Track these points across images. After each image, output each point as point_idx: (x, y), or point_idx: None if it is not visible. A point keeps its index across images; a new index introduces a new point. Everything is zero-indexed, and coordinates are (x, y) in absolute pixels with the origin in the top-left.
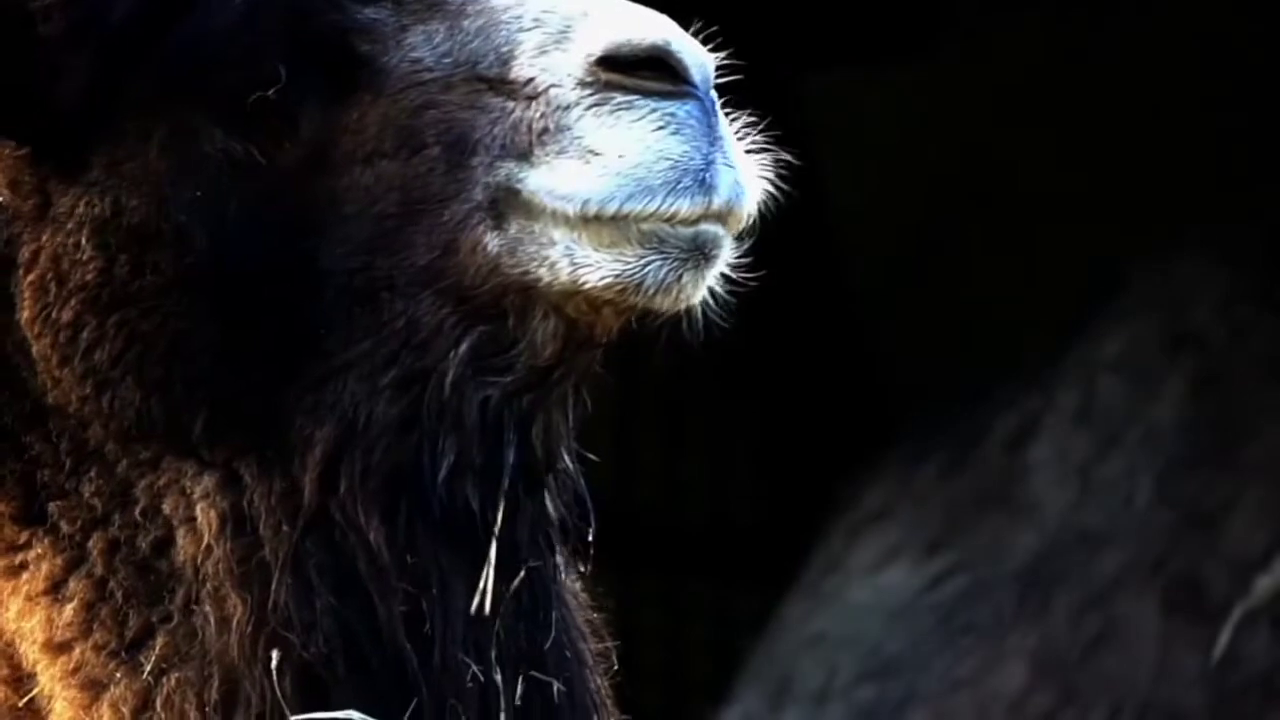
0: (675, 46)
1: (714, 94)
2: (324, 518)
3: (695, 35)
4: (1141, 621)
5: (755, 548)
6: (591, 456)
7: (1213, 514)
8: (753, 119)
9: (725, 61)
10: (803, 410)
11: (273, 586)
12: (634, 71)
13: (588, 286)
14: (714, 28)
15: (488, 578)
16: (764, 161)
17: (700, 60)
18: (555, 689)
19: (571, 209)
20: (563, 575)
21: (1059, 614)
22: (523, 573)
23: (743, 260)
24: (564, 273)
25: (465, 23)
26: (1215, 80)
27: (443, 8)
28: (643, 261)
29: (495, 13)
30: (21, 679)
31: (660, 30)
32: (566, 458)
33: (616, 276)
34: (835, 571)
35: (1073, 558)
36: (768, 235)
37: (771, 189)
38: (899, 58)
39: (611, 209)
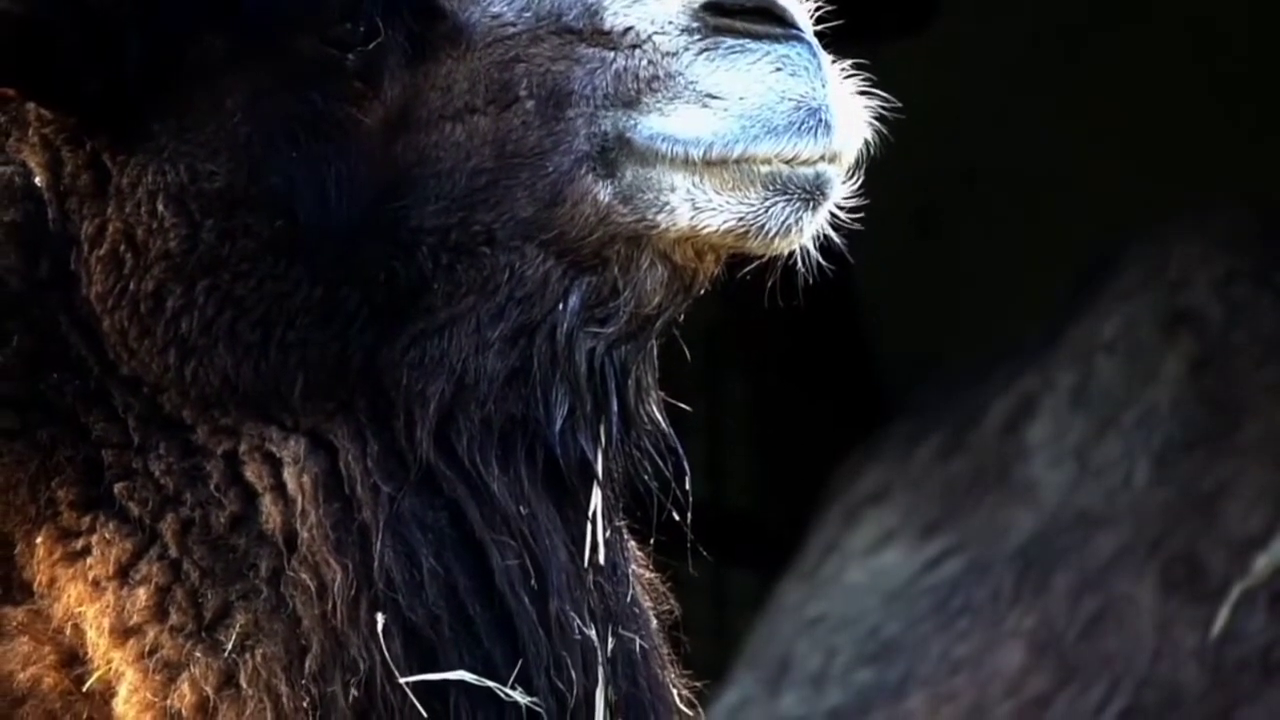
0: None
1: (815, 40)
2: (432, 475)
3: None
4: (1139, 601)
5: (751, 529)
6: (683, 406)
7: (1210, 494)
8: (848, 66)
9: (819, 8)
10: (798, 391)
11: (374, 549)
12: (741, 16)
13: (707, 231)
14: None
15: (597, 529)
16: (865, 104)
17: (799, 5)
18: (637, 645)
19: (695, 152)
20: (625, 535)
21: (1057, 594)
22: (610, 529)
23: (851, 199)
24: (684, 218)
25: None
26: (1214, 58)
27: None
28: (766, 204)
29: None
30: (74, 663)
31: None
32: (655, 409)
33: (740, 220)
34: (832, 554)
35: (1070, 538)
36: None
37: (871, 133)
38: (897, 37)
39: (737, 151)
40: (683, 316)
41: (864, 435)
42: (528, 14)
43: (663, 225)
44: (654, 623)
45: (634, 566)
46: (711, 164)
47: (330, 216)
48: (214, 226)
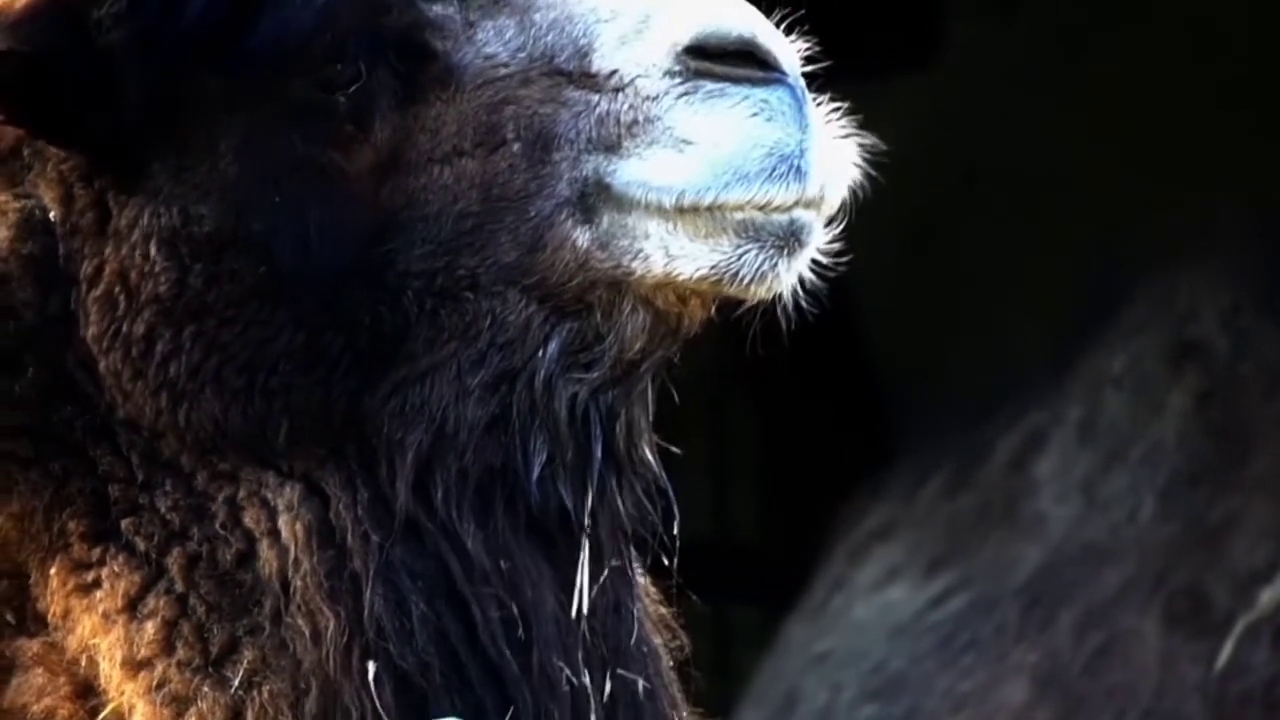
0: (763, 36)
1: (802, 81)
2: (416, 525)
3: (777, 24)
4: (1144, 636)
5: (756, 564)
6: (675, 449)
7: (1216, 528)
8: (837, 106)
9: (810, 50)
10: (804, 426)
11: (365, 597)
12: (723, 60)
13: (682, 278)
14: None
15: (583, 578)
16: (852, 147)
17: (786, 47)
18: (640, 686)
19: (667, 200)
20: (636, 570)
21: (1062, 629)
22: (606, 571)
23: (833, 246)
24: (658, 265)
25: (536, 16)
26: (1217, 90)
27: (509, 3)
28: (739, 251)
29: (568, 5)
30: (88, 694)
31: (746, 19)
32: (647, 451)
33: (713, 267)
34: (839, 590)
35: (1076, 573)
36: None
37: (859, 175)
38: (900, 72)
39: (708, 199)
40: (677, 356)
41: (870, 471)
42: (522, 54)
43: (638, 272)
44: (664, 660)
45: (642, 604)
46: (684, 211)
47: (312, 262)
48: (202, 271)
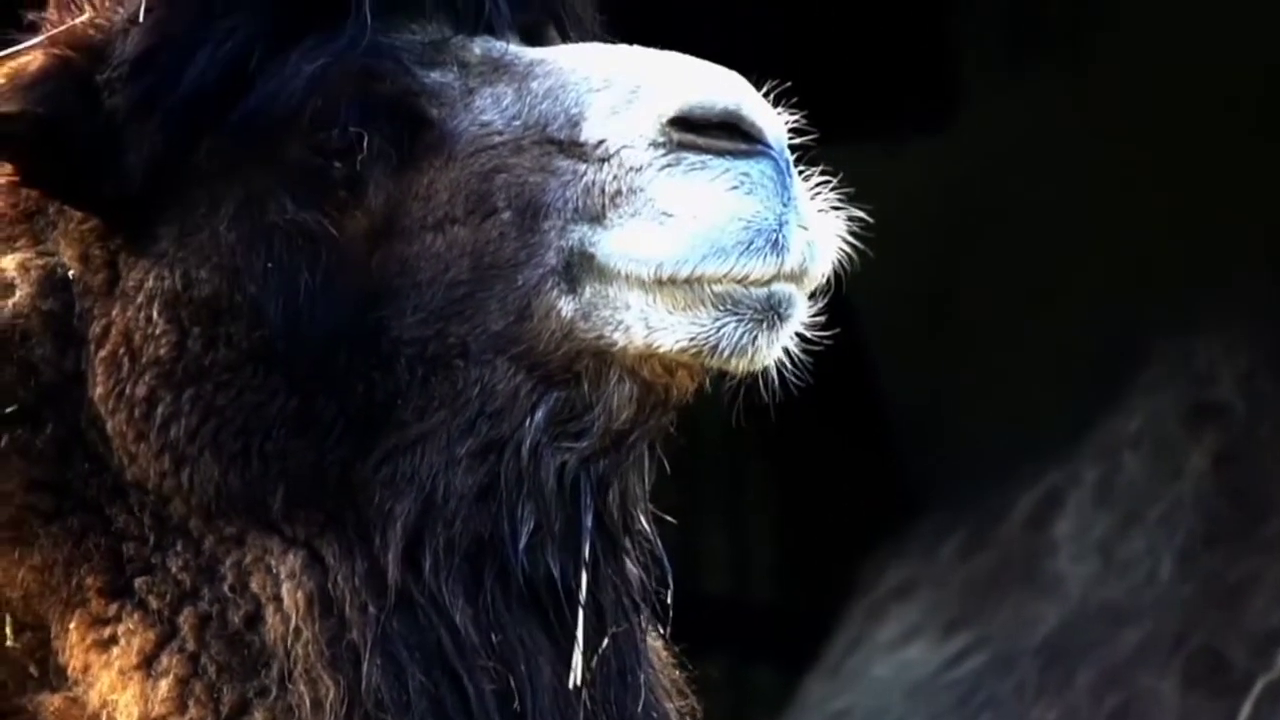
0: (748, 108)
1: (787, 153)
2: (408, 597)
3: (766, 95)
4: (1162, 696)
5: (773, 623)
6: (668, 518)
7: (1234, 588)
8: (825, 178)
9: (796, 123)
10: (822, 485)
11: (364, 668)
12: (707, 132)
13: (663, 350)
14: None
15: (578, 650)
16: (838, 220)
17: (772, 120)
18: None
19: (646, 272)
20: (647, 635)
21: (1080, 689)
22: (607, 639)
23: (817, 319)
24: (639, 337)
25: (533, 84)
26: (1236, 151)
27: (509, 70)
28: (717, 324)
29: (564, 74)
30: None
31: (733, 91)
32: (643, 520)
33: (691, 340)
34: (857, 649)
35: (1094, 632)
36: None
37: (845, 248)
38: (917, 134)
39: (685, 271)
40: (673, 425)
41: (888, 530)
42: (517, 122)
43: (620, 343)
44: None
45: (651, 670)
46: (663, 283)
47: (303, 327)
48: (200, 335)
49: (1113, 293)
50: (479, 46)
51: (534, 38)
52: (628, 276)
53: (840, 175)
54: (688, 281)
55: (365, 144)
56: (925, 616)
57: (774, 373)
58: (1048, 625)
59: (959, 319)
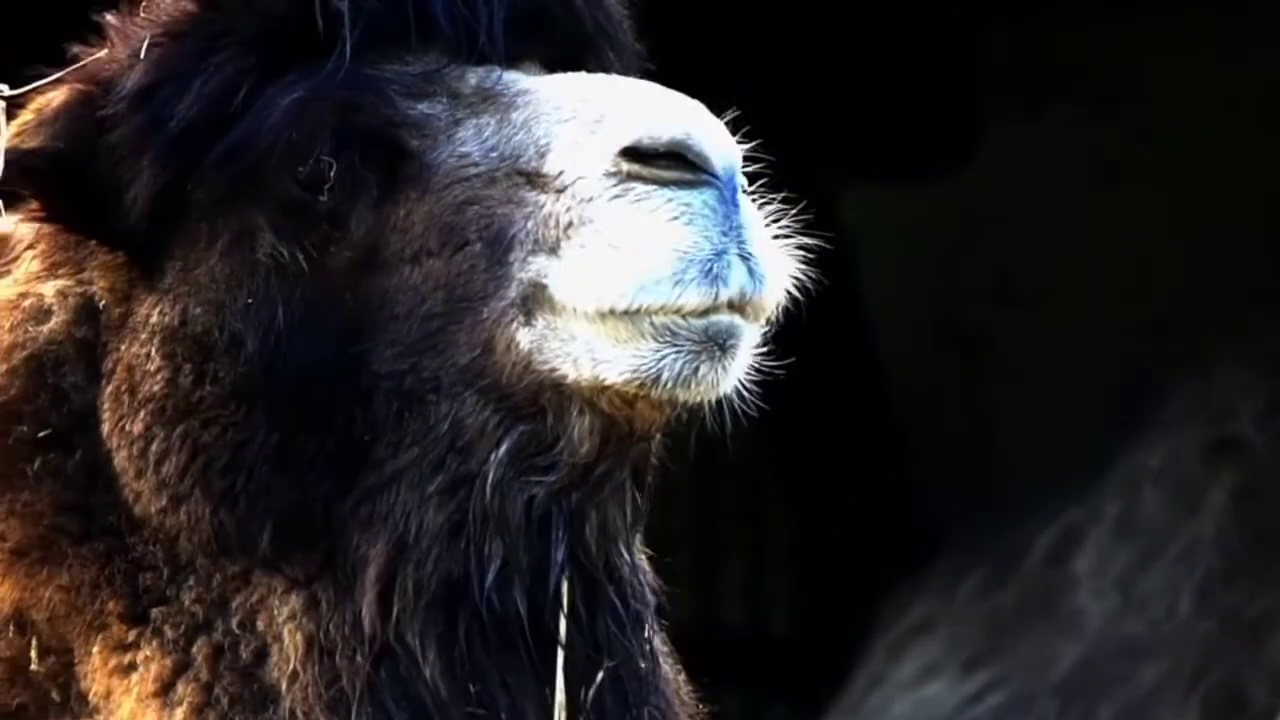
0: (695, 138)
1: (739, 180)
2: (388, 646)
3: (726, 124)
4: None
5: (791, 659)
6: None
7: (1253, 624)
8: (783, 206)
9: (753, 151)
10: (840, 520)
11: (353, 715)
12: (654, 162)
13: (608, 382)
14: (756, 140)
15: (559, 692)
16: (792, 248)
17: (723, 148)
18: None
19: (590, 305)
20: (659, 664)
21: None
22: (601, 675)
23: (769, 349)
24: (586, 369)
25: (514, 115)
26: (1253, 190)
27: (497, 100)
28: (658, 356)
29: (540, 104)
30: None
31: (682, 122)
32: (627, 553)
33: (634, 372)
34: (878, 686)
35: (1114, 669)
36: (807, 342)
37: (800, 276)
38: (937, 173)
39: (624, 304)
40: (651, 458)
41: (906, 566)
42: (494, 154)
43: (570, 376)
44: None
45: (663, 700)
46: (605, 316)
47: (281, 362)
48: (190, 371)
49: (1132, 329)
50: (474, 77)
51: (566, 67)
52: (574, 309)
53: (863, 211)
54: (628, 314)
55: (344, 175)
56: (945, 653)
57: (729, 405)
58: (1067, 662)
59: (980, 356)
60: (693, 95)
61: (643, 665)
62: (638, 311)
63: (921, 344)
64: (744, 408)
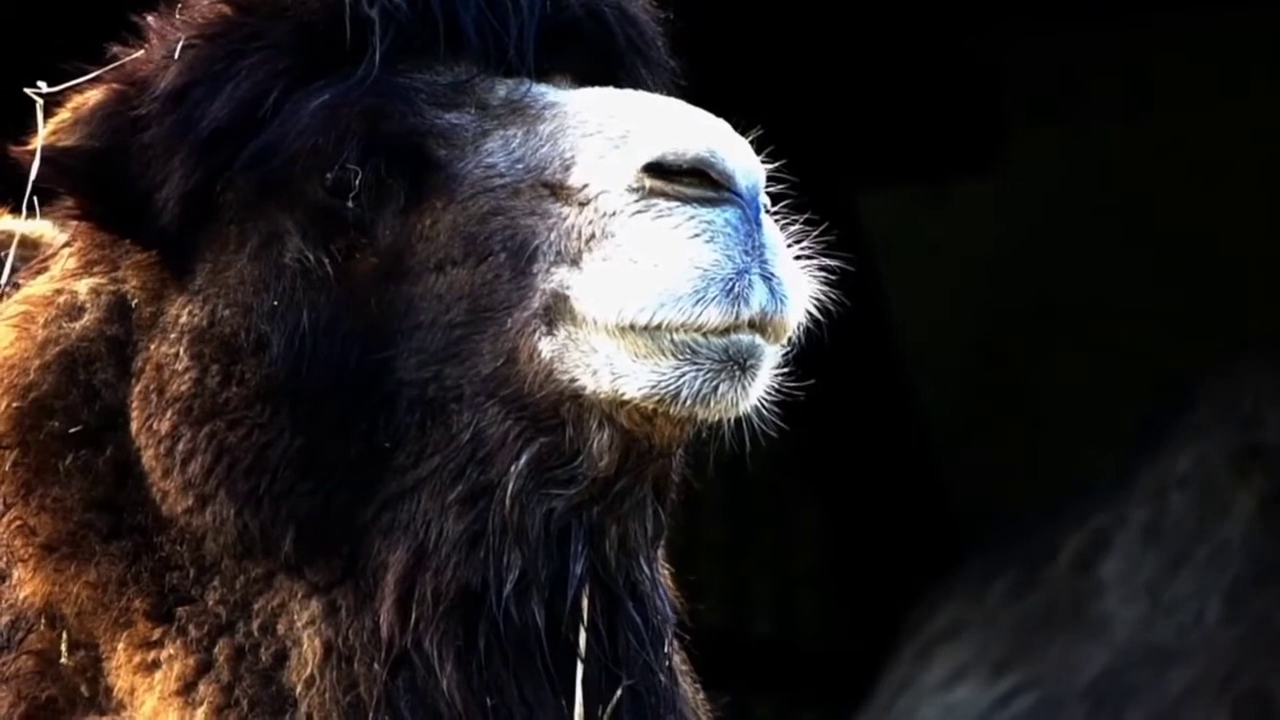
0: (719, 156)
1: (762, 199)
2: (405, 655)
3: (751, 142)
4: None
5: (820, 665)
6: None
7: None
8: (809, 227)
9: (778, 170)
10: (868, 527)
11: None
12: (678, 178)
13: (627, 397)
14: (773, 146)
15: (578, 708)
16: (815, 268)
17: (747, 167)
18: None
19: (611, 318)
20: (678, 682)
21: None
22: (619, 691)
23: (792, 370)
24: (605, 382)
25: (540, 127)
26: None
27: (525, 112)
28: (677, 373)
29: (566, 118)
30: None
31: (706, 139)
32: (648, 568)
33: (653, 387)
34: (906, 690)
35: (1142, 675)
36: (833, 355)
37: (822, 296)
38: (961, 175)
39: (644, 319)
40: (674, 473)
41: (935, 572)
42: (519, 165)
43: (590, 388)
44: None
45: (687, 713)
46: (625, 330)
47: (306, 366)
48: (218, 372)
49: (1160, 335)
50: (503, 88)
51: (598, 81)
52: (595, 321)
53: (887, 221)
54: (648, 329)
55: (370, 182)
56: (973, 658)
57: (750, 423)
58: (1096, 667)
59: (1007, 362)
60: (716, 108)
61: (662, 681)
62: (658, 327)
63: (949, 351)
64: (763, 427)
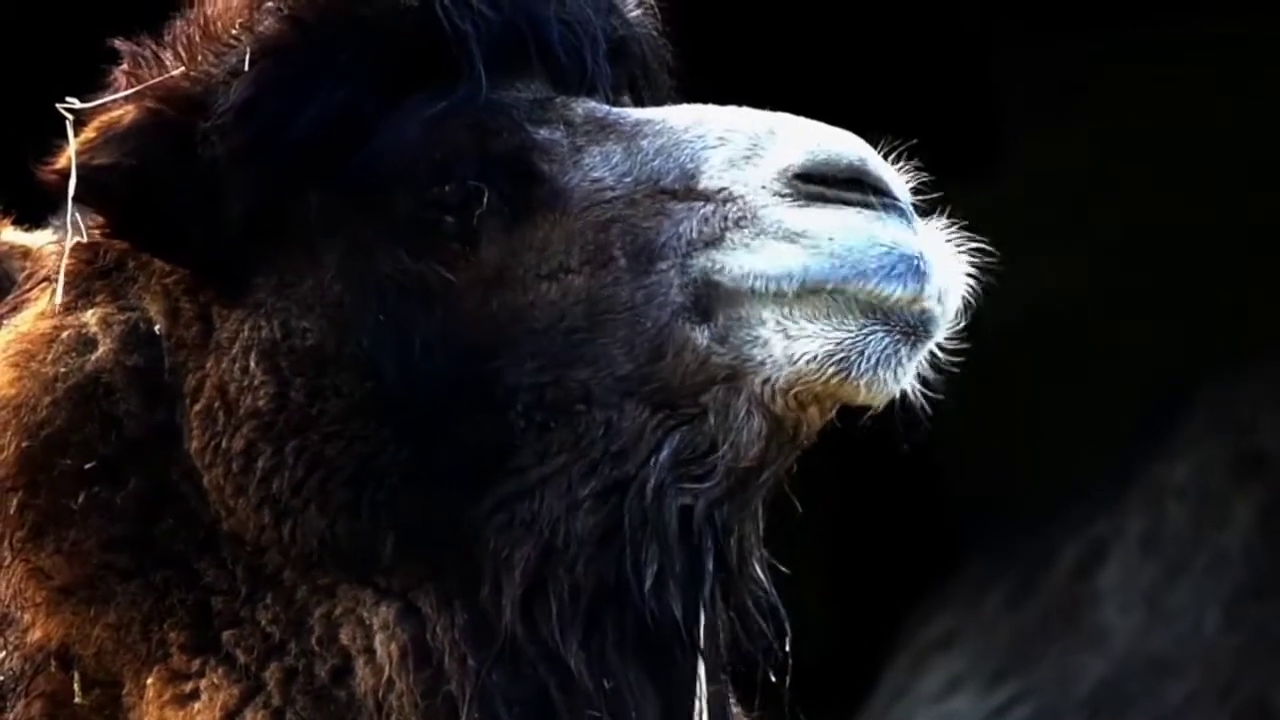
0: (873, 164)
1: (912, 209)
2: (517, 646)
3: (883, 154)
4: None
5: (822, 675)
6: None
7: None
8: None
9: (917, 179)
10: (866, 535)
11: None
12: (834, 185)
13: (804, 358)
14: None
15: (699, 699)
16: (965, 260)
17: (897, 177)
18: None
19: (787, 285)
20: (730, 697)
21: None
22: (713, 690)
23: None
24: (779, 349)
25: (643, 143)
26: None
27: (616, 129)
28: (864, 331)
29: (675, 133)
30: None
31: (858, 148)
32: (758, 567)
33: (837, 345)
34: (901, 699)
35: (1140, 684)
36: None
37: (973, 289)
38: (959, 179)
39: (829, 285)
40: (793, 469)
41: (934, 581)
42: (628, 179)
43: (758, 358)
44: None
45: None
46: (801, 295)
47: (416, 378)
48: (303, 385)
49: (1158, 343)
50: (581, 107)
51: (628, 93)
52: (761, 294)
53: None
54: (831, 292)
55: (483, 198)
56: (970, 667)
57: (904, 406)
58: (1094, 676)
59: (1004, 369)
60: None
61: (726, 691)
62: (842, 292)
63: (945, 357)
64: (921, 410)
